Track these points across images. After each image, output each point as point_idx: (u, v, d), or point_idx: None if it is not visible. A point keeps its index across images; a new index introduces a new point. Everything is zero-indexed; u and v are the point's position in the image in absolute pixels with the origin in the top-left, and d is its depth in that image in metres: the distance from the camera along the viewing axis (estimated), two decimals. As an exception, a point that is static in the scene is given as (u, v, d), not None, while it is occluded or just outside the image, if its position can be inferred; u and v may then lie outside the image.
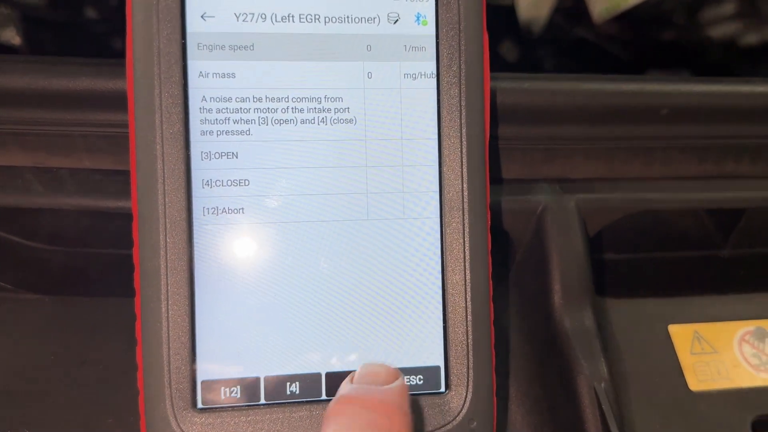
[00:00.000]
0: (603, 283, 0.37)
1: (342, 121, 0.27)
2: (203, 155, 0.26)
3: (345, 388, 0.24)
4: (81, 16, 0.50)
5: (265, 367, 0.26)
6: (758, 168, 0.36)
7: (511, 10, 0.56)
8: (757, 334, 0.36)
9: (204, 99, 0.26)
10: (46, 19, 0.49)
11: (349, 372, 0.26)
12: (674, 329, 0.36)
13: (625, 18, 0.53)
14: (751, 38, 0.56)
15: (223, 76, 0.26)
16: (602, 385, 0.30)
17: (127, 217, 0.30)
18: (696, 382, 0.34)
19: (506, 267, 0.35)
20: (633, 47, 0.58)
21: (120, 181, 0.31)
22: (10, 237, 0.33)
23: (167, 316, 0.25)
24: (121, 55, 0.25)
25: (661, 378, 0.34)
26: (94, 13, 0.50)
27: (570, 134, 0.33)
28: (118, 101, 0.29)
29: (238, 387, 0.26)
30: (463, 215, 0.27)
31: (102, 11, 0.49)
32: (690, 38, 0.57)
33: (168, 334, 0.25)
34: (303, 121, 0.26)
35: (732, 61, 0.57)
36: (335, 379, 0.26)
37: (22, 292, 0.33)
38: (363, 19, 0.27)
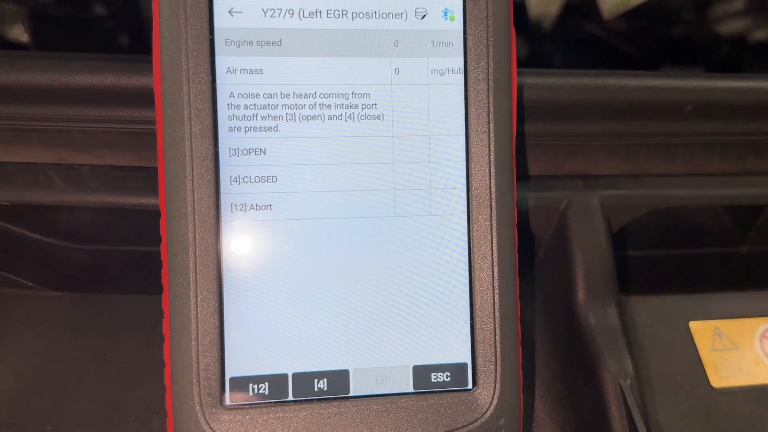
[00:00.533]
0: (625, 280, 0.37)
1: (369, 117, 0.27)
2: (231, 151, 0.26)
3: None
4: (88, 12, 0.50)
5: (293, 363, 0.26)
6: (780, 164, 0.36)
7: (521, 6, 0.55)
8: (777, 330, 0.36)
9: (232, 95, 0.26)
10: (53, 16, 0.49)
11: (377, 369, 0.26)
12: (695, 326, 0.36)
13: (634, 14, 0.53)
14: (761, 34, 0.55)
15: (251, 72, 0.26)
16: (627, 381, 0.30)
17: (147, 213, 0.30)
18: (718, 379, 0.34)
19: (529, 263, 0.35)
20: (642, 44, 0.58)
21: (141, 177, 0.31)
22: (30, 234, 0.33)
23: (196, 313, 0.25)
24: (130, 51, 0.25)
25: (682, 375, 0.34)
26: (101, 10, 0.49)
27: (593, 130, 0.33)
28: (141, 97, 0.29)
29: (266, 384, 0.26)
30: (491, 212, 0.27)
31: (109, 8, 0.49)
32: (699, 34, 0.57)
33: (197, 331, 0.25)
34: (330, 117, 0.26)
35: (742, 57, 0.57)
36: (362, 375, 0.26)
37: (42, 289, 0.33)
38: (390, 15, 0.27)
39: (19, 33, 0.47)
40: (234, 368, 0.26)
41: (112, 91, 0.29)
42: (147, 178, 0.31)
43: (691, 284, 0.37)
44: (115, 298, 0.33)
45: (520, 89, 0.31)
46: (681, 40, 0.58)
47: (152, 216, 0.25)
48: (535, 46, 0.58)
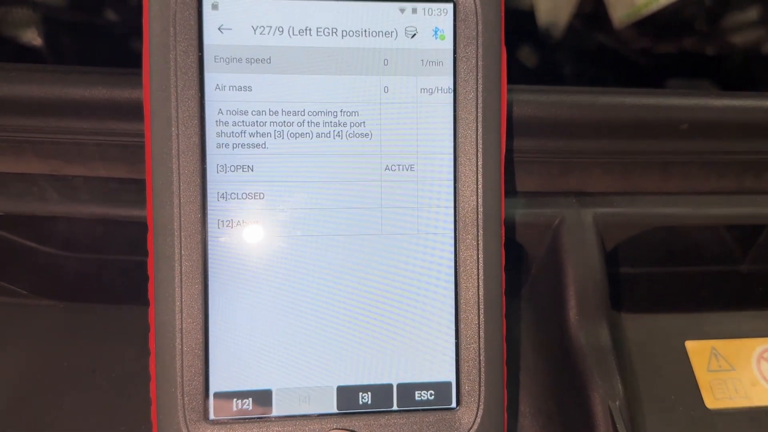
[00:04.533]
0: (620, 298, 0.36)
1: (358, 135, 0.27)
2: (219, 168, 0.26)
3: None
4: (101, 18, 0.50)
5: (277, 379, 0.26)
6: (781, 183, 0.36)
7: (530, 15, 0.55)
8: (775, 351, 0.36)
9: (220, 112, 0.26)
10: (66, 21, 0.49)
11: (360, 386, 0.26)
12: (691, 345, 0.36)
13: (645, 24, 0.52)
14: (776, 45, 0.55)
15: (240, 89, 0.26)
16: (617, 403, 0.30)
17: (140, 225, 0.30)
18: (713, 400, 0.34)
19: (522, 280, 0.35)
20: (653, 54, 0.57)
21: (134, 189, 0.31)
22: (25, 242, 0.33)
23: (181, 328, 0.25)
24: (140, 58, 0.25)
25: (677, 395, 0.34)
26: (114, 15, 0.50)
27: (588, 148, 0.33)
28: (133, 111, 0.29)
29: (250, 399, 0.26)
30: (478, 231, 0.27)
31: (122, 13, 0.49)
32: (712, 45, 0.57)
33: (181, 345, 0.25)
34: (319, 135, 0.26)
35: (755, 68, 0.56)
36: (347, 393, 0.26)
37: (36, 297, 0.34)
38: (380, 33, 0.27)
39: (32, 37, 0.48)
40: (218, 383, 0.26)
41: (105, 105, 0.29)
42: (140, 190, 0.31)
43: (689, 303, 0.37)
44: (108, 308, 0.34)
45: (514, 106, 0.31)
46: (693, 50, 0.57)
47: (146, 228, 0.26)
48: (545, 55, 0.57)
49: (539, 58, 0.58)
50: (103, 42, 0.49)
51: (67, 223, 0.33)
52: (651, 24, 0.52)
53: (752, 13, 0.55)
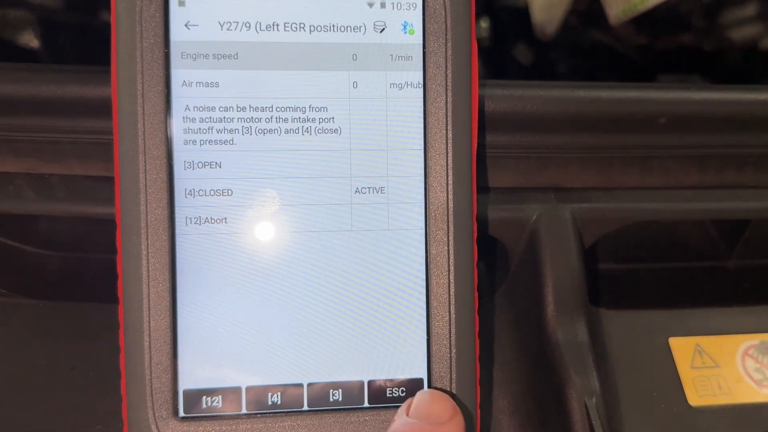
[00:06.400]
0: (602, 294, 0.36)
1: (327, 131, 0.26)
2: (186, 164, 0.26)
3: (400, 421, 0.24)
4: (97, 19, 0.50)
5: (247, 376, 0.26)
6: (762, 177, 0.35)
7: (524, 12, 0.55)
8: (761, 348, 0.35)
9: (187, 108, 0.26)
10: (63, 22, 0.49)
11: (331, 383, 0.26)
12: (675, 342, 0.35)
13: (641, 20, 0.52)
14: (774, 40, 0.54)
15: (207, 85, 0.26)
16: (593, 399, 0.29)
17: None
18: (696, 397, 0.34)
19: (500, 277, 0.35)
20: (650, 50, 0.57)
21: (109, 187, 0.31)
22: (4, 241, 0.33)
23: (149, 325, 0.25)
24: None
25: (659, 392, 0.33)
26: (110, 16, 0.50)
27: (565, 143, 0.33)
28: (106, 108, 0.29)
29: (220, 396, 0.26)
30: (448, 226, 0.26)
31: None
32: (709, 41, 0.56)
33: (150, 342, 0.25)
34: (287, 131, 0.26)
35: (753, 64, 0.56)
36: (317, 390, 0.26)
37: (16, 296, 0.34)
38: (349, 28, 0.26)
39: (29, 39, 0.48)
40: (187, 380, 0.26)
41: (78, 102, 0.29)
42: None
43: (673, 299, 0.37)
44: (87, 307, 0.33)
45: (488, 101, 0.31)
46: (690, 46, 0.57)
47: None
48: (539, 52, 0.57)
49: (534, 55, 0.57)
50: (100, 43, 0.49)
51: (47, 221, 0.33)
52: (647, 20, 0.52)
53: (750, 9, 0.54)
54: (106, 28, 0.49)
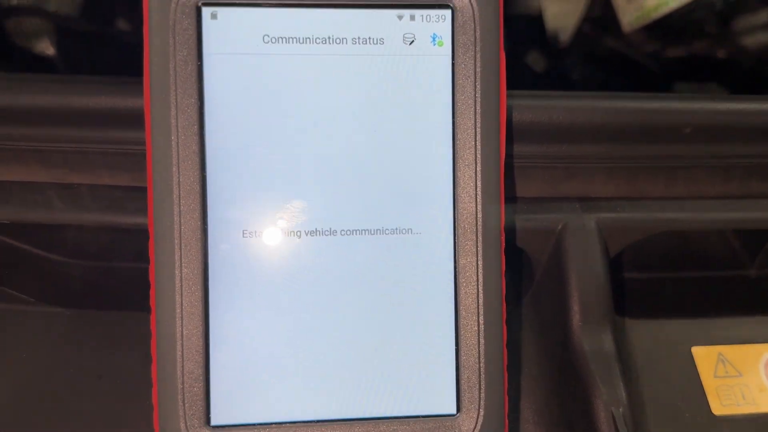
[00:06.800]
0: (625, 304, 0.36)
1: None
2: (219, 176, 0.26)
3: None
4: (113, 27, 0.51)
5: (279, 385, 0.26)
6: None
7: (538, 20, 0.55)
8: (784, 357, 0.35)
9: (220, 120, 0.26)
10: (79, 31, 0.50)
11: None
12: (698, 351, 0.35)
13: (655, 28, 0.52)
14: (788, 48, 0.54)
15: (239, 97, 0.26)
16: (620, 410, 0.29)
17: (145, 232, 0.31)
18: (719, 407, 0.34)
19: (525, 287, 0.35)
20: (663, 58, 0.57)
21: (138, 197, 0.31)
22: (31, 249, 0.33)
23: (181, 335, 0.25)
24: None
25: (683, 401, 0.33)
26: (126, 24, 0.50)
27: (591, 153, 0.33)
28: (136, 119, 0.30)
29: (252, 406, 0.26)
30: (477, 237, 0.27)
31: (134, 22, 0.50)
32: (723, 48, 0.56)
33: (182, 352, 0.25)
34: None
35: (767, 71, 0.56)
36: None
37: (42, 304, 0.34)
38: (378, 41, 0.27)
39: (45, 47, 0.49)
40: (219, 389, 0.26)
41: (108, 113, 0.30)
42: (144, 198, 0.31)
43: (696, 308, 0.37)
44: (114, 315, 0.34)
45: (514, 111, 0.31)
46: (704, 54, 0.57)
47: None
48: (553, 60, 0.57)
49: (547, 63, 0.58)
50: (116, 51, 0.50)
51: (74, 231, 0.34)
52: (661, 27, 0.52)
53: (763, 16, 0.54)
54: (122, 36, 0.50)
